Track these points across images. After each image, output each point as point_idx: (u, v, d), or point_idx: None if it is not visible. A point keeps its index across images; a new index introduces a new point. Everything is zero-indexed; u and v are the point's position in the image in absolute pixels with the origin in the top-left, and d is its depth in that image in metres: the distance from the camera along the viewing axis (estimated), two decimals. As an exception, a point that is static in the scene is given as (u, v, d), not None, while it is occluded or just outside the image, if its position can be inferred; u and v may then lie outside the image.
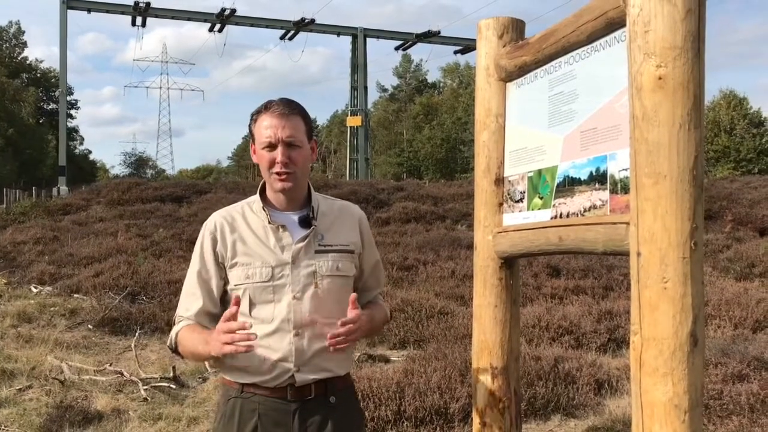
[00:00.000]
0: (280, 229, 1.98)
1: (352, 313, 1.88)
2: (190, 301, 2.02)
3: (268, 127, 1.94)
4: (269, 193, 2.05)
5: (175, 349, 2.02)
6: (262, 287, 1.95)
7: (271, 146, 1.94)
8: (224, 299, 2.04)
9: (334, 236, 2.03)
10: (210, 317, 2.02)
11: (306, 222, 2.01)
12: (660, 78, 1.42)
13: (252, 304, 1.95)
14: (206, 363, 5.89)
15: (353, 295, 1.92)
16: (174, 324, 2.04)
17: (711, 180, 27.92)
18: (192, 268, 2.03)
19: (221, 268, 2.00)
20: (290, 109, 1.97)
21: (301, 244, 1.98)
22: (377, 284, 2.19)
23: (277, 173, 1.95)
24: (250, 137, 2.04)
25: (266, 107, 1.98)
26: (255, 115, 2.00)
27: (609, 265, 10.24)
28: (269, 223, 1.99)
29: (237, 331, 1.75)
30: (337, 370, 2.00)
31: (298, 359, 1.92)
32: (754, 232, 14.70)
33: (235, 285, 1.97)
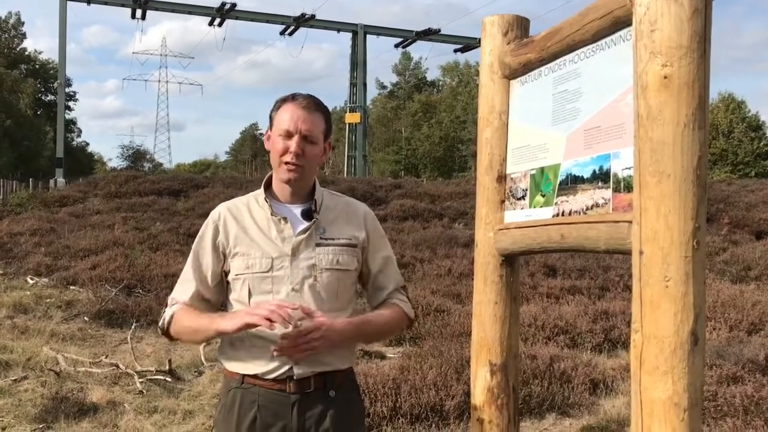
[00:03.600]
0: (282, 221, 2.00)
1: (310, 322, 1.87)
2: (186, 285, 2.05)
3: (289, 116, 1.97)
4: (275, 185, 2.07)
5: (165, 330, 2.04)
6: (261, 278, 1.96)
7: (288, 135, 1.97)
8: (224, 289, 2.06)
9: (336, 230, 2.04)
10: (204, 303, 2.04)
11: (308, 215, 2.02)
12: (665, 77, 1.42)
13: (251, 294, 1.97)
14: (202, 356, 5.90)
15: (303, 306, 1.89)
16: (167, 306, 2.06)
17: (708, 183, 27.95)
18: (192, 255, 2.06)
19: (220, 258, 2.02)
20: (315, 104, 2.01)
21: (301, 237, 1.98)
22: (389, 282, 2.14)
23: (287, 162, 1.97)
24: (268, 123, 2.06)
25: (293, 98, 2.01)
26: (279, 103, 2.03)
27: (605, 265, 10.27)
28: (272, 214, 2.00)
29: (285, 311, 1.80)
30: (338, 364, 1.99)
31: None
32: (751, 235, 14.76)
33: (236, 275, 1.99)
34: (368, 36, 48.30)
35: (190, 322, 1.97)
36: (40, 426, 4.43)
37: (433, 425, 4.42)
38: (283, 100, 2.03)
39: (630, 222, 1.52)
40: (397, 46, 51.58)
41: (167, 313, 2.04)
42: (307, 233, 1.99)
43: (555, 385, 5.00)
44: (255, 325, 1.82)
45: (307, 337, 1.86)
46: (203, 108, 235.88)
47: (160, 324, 2.07)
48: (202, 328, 1.95)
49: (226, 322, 1.88)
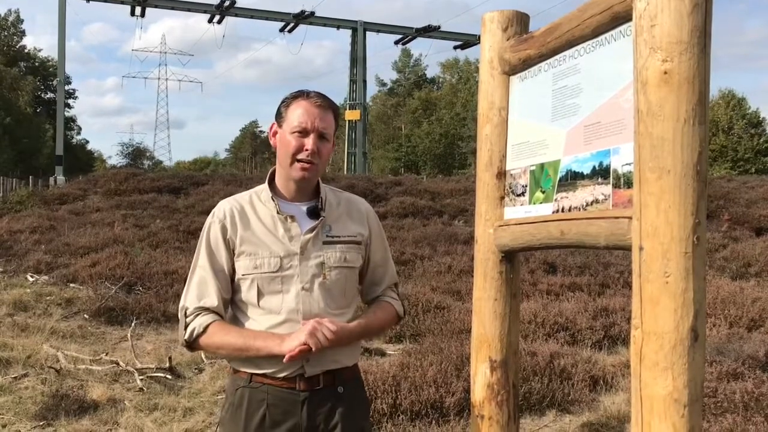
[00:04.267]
0: (289, 220, 1.98)
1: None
2: (205, 289, 1.96)
3: (305, 114, 1.95)
4: (279, 182, 2.04)
5: (192, 342, 1.95)
6: (270, 278, 1.94)
7: (304, 133, 1.94)
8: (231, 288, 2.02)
9: (341, 228, 2.03)
10: (226, 306, 2.00)
11: (314, 213, 2.01)
12: (665, 73, 1.42)
13: (260, 294, 1.94)
14: (202, 353, 5.90)
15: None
16: (187, 315, 1.96)
17: (708, 179, 28.00)
18: (202, 257, 1.99)
19: (231, 256, 1.98)
20: (327, 103, 1.99)
21: (309, 235, 1.97)
22: (385, 278, 2.17)
23: (303, 161, 1.95)
24: (275, 119, 2.03)
25: (306, 95, 1.99)
26: (289, 100, 2.00)
27: (605, 262, 10.26)
28: (278, 213, 1.98)
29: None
30: (346, 361, 2.01)
31: None
32: (751, 231, 14.76)
33: (243, 275, 1.96)
34: (368, 33, 48.28)
35: (235, 339, 1.90)
36: (41, 423, 4.43)
37: (433, 422, 4.41)
38: (295, 97, 1.99)
39: (630, 218, 1.52)
40: (396, 43, 51.62)
41: (196, 323, 1.93)
42: (315, 232, 1.98)
43: (555, 381, 5.00)
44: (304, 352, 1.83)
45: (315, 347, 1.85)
46: (204, 105, 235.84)
47: (186, 336, 1.95)
48: (248, 347, 1.88)
49: (286, 346, 1.84)
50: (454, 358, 5.13)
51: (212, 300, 1.95)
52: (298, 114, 1.95)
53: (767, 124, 50.75)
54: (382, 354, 6.21)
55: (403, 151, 66.09)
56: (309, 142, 1.94)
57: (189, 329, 1.94)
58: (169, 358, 5.58)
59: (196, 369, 5.75)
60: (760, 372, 5.15)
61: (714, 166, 47.44)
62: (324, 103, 1.98)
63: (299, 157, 1.95)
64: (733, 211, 16.53)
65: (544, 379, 4.98)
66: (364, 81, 48.89)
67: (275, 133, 2.03)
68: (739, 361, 5.29)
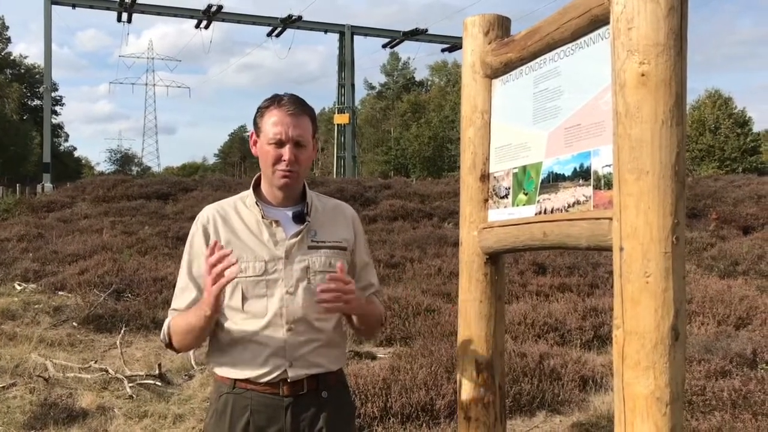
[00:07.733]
0: (274, 224, 1.98)
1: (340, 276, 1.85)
2: (184, 295, 1.99)
3: (278, 124, 1.93)
4: (264, 188, 2.05)
5: (169, 342, 1.99)
6: (255, 282, 1.94)
7: (280, 144, 1.94)
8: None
9: (327, 233, 2.04)
10: None
11: (300, 218, 2.01)
12: (643, 75, 1.44)
13: (245, 299, 1.95)
14: (192, 359, 5.88)
15: (340, 263, 1.90)
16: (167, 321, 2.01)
17: (695, 179, 28.19)
18: (184, 263, 2.01)
19: None
20: (301, 108, 1.97)
21: (294, 240, 1.98)
22: (370, 283, 2.18)
23: (282, 170, 1.95)
24: (253, 129, 2.03)
25: (278, 103, 1.96)
26: (263, 109, 1.99)
27: (594, 262, 10.31)
28: (263, 218, 1.99)
29: (217, 262, 1.75)
30: (330, 365, 2.00)
31: (291, 354, 1.92)
32: (738, 230, 14.85)
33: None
34: (356, 36, 48.31)
35: (183, 323, 1.92)
36: (29, 433, 4.40)
37: (424, 425, 4.42)
38: (268, 106, 1.98)
39: (610, 219, 1.53)
40: (384, 46, 51.58)
41: (166, 324, 1.99)
42: (300, 236, 1.99)
43: (545, 382, 5.02)
44: (221, 285, 1.76)
45: (346, 288, 1.83)
46: (195, 111, 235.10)
47: (162, 338, 2.01)
48: (194, 322, 1.88)
49: (205, 302, 1.82)
50: (444, 361, 5.14)
51: (186, 303, 1.98)
52: (271, 124, 1.94)
53: (753, 124, 51.16)
54: (373, 357, 6.21)
55: (392, 154, 66.14)
56: (286, 152, 1.93)
57: (162, 332, 2.00)
58: (159, 364, 5.56)
59: (186, 375, 5.73)
60: (748, 370, 5.19)
61: (701, 166, 47.77)
62: (297, 110, 1.96)
63: (278, 167, 1.95)
64: (720, 209, 16.64)
65: (534, 380, 5.00)
66: (353, 85, 48.91)
67: (255, 142, 2.03)
68: (727, 359, 5.33)
